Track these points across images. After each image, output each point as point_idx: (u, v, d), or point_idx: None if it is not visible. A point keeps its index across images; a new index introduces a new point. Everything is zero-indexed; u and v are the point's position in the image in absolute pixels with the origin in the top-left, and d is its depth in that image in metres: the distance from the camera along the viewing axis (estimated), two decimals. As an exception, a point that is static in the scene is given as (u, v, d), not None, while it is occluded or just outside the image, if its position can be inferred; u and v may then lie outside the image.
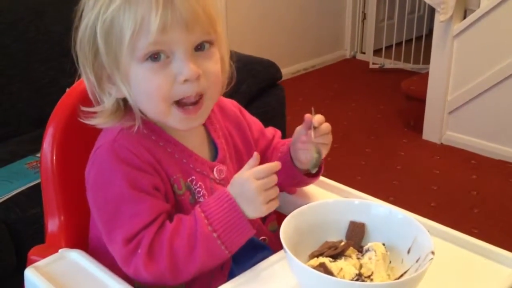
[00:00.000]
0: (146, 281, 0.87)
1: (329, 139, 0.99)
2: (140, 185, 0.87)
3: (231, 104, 1.09)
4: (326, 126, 0.98)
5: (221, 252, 0.86)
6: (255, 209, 0.87)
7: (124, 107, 0.92)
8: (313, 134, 0.96)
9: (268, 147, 1.11)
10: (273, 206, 0.89)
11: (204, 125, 1.00)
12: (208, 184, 0.95)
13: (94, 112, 0.91)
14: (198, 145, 0.98)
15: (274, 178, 0.88)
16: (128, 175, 0.87)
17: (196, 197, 0.94)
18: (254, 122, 1.11)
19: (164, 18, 0.81)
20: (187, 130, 0.93)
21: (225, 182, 0.95)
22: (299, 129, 1.00)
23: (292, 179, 1.06)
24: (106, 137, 0.91)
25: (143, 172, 0.88)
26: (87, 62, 0.88)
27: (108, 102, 0.90)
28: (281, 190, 1.11)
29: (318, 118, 0.97)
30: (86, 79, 0.91)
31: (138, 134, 0.91)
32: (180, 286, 0.91)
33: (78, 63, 0.90)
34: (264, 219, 1.03)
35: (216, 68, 0.90)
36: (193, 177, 0.94)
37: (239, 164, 1.02)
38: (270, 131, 1.13)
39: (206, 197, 0.94)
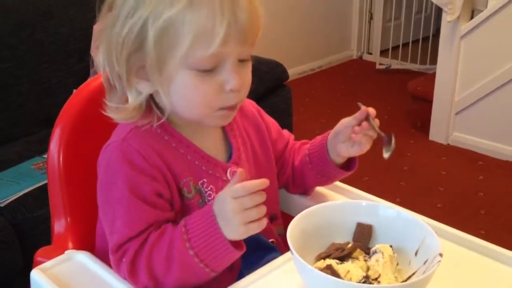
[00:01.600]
0: None
1: (376, 134, 0.99)
2: (141, 191, 0.86)
3: (250, 105, 1.09)
4: (377, 121, 0.99)
5: (201, 270, 0.82)
6: (232, 230, 0.80)
7: (145, 104, 0.89)
8: (374, 124, 0.97)
9: (285, 148, 1.10)
10: (254, 229, 0.81)
11: None
12: (220, 187, 0.93)
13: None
14: (213, 146, 0.97)
15: (255, 198, 0.80)
16: (131, 179, 0.86)
17: (206, 201, 0.92)
18: (272, 123, 1.10)
19: (228, 30, 0.80)
20: (211, 127, 0.94)
21: None
22: (346, 121, 1.00)
23: (321, 176, 1.05)
24: (118, 135, 0.90)
25: (147, 177, 0.86)
26: (123, 52, 0.83)
27: (134, 98, 0.87)
28: (301, 192, 1.11)
29: (373, 110, 0.98)
30: (110, 69, 0.86)
31: (150, 134, 0.90)
32: None
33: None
34: (270, 222, 1.01)
35: (250, 78, 0.91)
36: (204, 179, 0.93)
37: (256, 165, 1.01)
38: (286, 132, 1.13)
39: None
